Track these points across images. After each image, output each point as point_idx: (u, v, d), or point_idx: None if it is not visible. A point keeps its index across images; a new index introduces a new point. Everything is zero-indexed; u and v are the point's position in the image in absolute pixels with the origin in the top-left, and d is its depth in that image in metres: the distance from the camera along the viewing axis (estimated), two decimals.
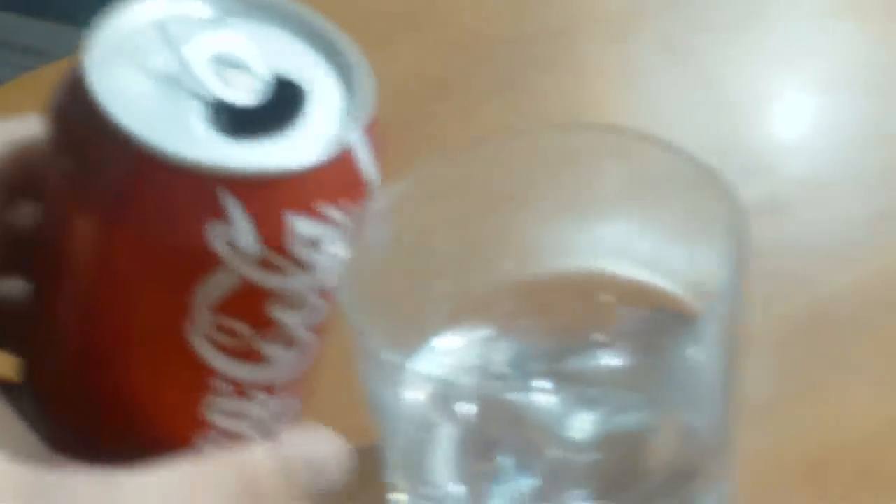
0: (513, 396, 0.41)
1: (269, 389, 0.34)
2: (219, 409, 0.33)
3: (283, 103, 0.31)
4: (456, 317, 0.45)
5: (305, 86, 0.32)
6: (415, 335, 0.44)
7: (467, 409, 0.41)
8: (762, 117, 0.65)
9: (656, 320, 0.44)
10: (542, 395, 0.41)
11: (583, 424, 0.41)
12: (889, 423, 0.49)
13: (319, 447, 0.35)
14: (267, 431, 0.34)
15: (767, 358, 0.53)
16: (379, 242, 0.41)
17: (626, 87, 0.67)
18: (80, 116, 0.30)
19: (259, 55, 0.32)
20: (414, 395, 0.41)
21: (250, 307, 0.31)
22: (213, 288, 0.30)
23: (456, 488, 0.43)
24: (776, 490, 0.48)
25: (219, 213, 0.30)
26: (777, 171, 0.61)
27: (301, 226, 0.31)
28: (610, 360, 0.43)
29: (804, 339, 0.53)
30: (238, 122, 0.31)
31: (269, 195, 0.30)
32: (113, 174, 0.30)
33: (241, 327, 0.31)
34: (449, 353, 0.45)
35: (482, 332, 0.45)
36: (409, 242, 0.43)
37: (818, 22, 0.69)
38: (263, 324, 0.32)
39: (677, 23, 0.70)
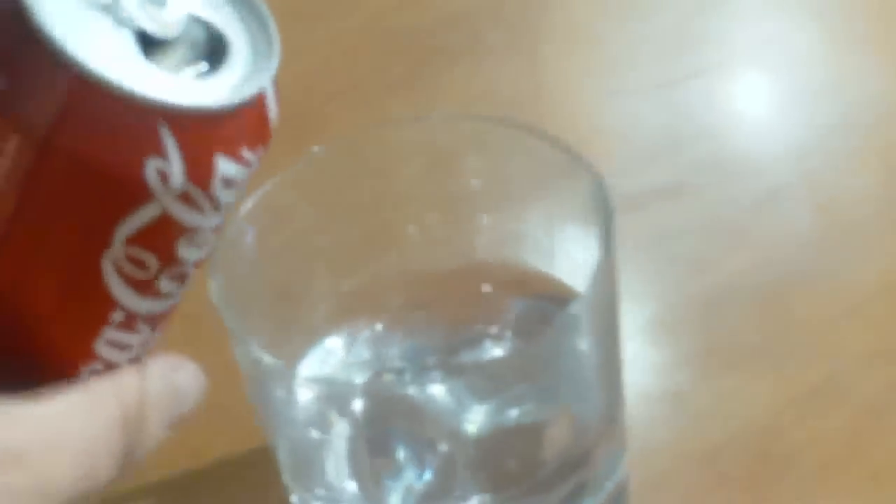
0: (405, 391, 0.40)
1: (153, 323, 0.34)
2: (107, 340, 0.33)
3: (201, 42, 0.32)
4: (344, 315, 0.45)
5: (220, 29, 0.32)
6: (303, 336, 0.44)
7: (360, 407, 0.40)
8: (662, 103, 0.65)
9: (542, 308, 0.44)
10: (435, 389, 0.41)
11: (476, 416, 0.40)
12: (789, 404, 0.49)
13: (181, 376, 0.35)
14: (137, 362, 0.35)
15: (669, 341, 0.53)
16: (254, 243, 0.41)
17: (529, 74, 0.67)
18: (15, 35, 0.29)
19: None
20: (303, 397, 0.41)
21: (164, 241, 0.32)
22: (137, 219, 0.31)
23: (351, 487, 0.42)
24: (677, 476, 0.48)
25: (157, 147, 0.30)
26: (677, 156, 0.61)
27: (224, 166, 0.31)
28: (499, 351, 0.43)
29: (705, 321, 0.53)
30: (163, 56, 0.31)
31: (201, 133, 0.31)
32: (52, 96, 0.29)
33: (151, 260, 0.32)
34: (339, 351, 0.45)
35: (372, 329, 0.45)
36: (287, 242, 0.42)
37: (716, 7, 0.69)
38: (170, 259, 0.32)
39: (579, 9, 0.70)
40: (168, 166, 0.30)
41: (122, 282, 0.32)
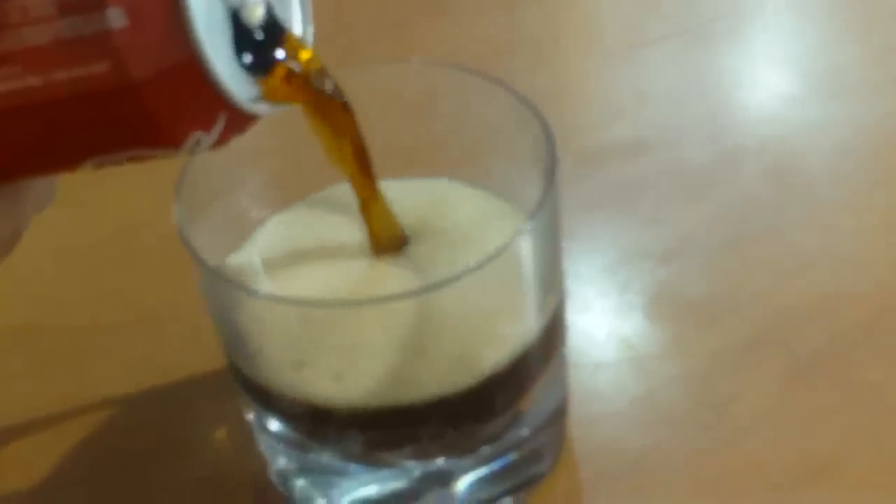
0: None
1: None
2: None
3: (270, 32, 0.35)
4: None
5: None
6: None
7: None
8: (630, 63, 0.67)
9: None
10: None
11: None
12: (727, 353, 0.51)
13: None
14: None
15: (618, 289, 0.55)
16: (220, 172, 0.43)
17: (505, 30, 0.69)
18: None
19: None
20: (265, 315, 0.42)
21: (148, 160, 0.34)
22: (148, 153, 0.33)
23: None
24: (615, 414, 0.50)
25: (207, 126, 0.33)
26: (640, 115, 0.63)
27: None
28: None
29: (654, 272, 0.55)
30: (247, 44, 0.34)
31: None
32: (159, 55, 0.31)
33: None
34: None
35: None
36: (251, 173, 0.45)
37: None
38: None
39: None
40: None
41: (92, 167, 0.34)
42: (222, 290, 0.41)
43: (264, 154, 0.43)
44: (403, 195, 0.44)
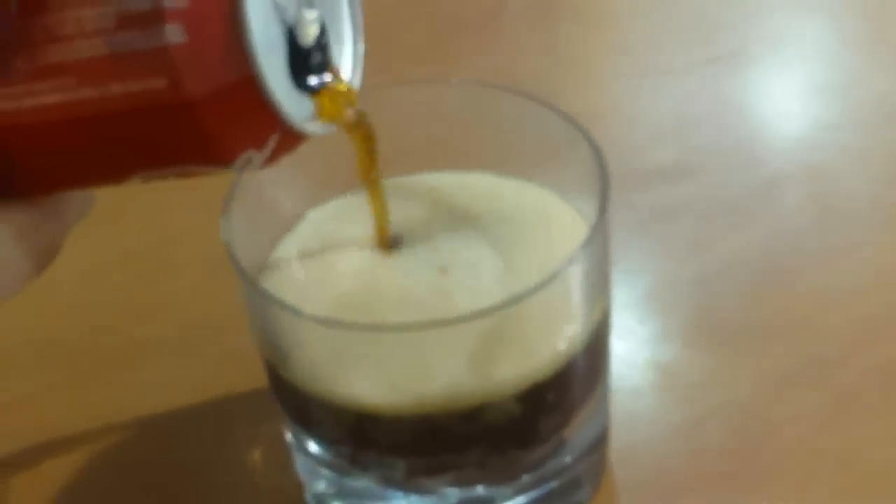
0: None
1: None
2: None
3: (322, 55, 0.35)
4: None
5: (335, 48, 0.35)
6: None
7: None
8: (672, 87, 0.66)
9: None
10: None
11: None
12: (769, 383, 0.51)
13: None
14: None
15: (659, 315, 0.54)
16: (266, 192, 0.43)
17: (547, 50, 0.69)
18: (218, 13, 0.31)
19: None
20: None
21: (190, 176, 0.34)
22: (199, 169, 0.33)
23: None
24: (657, 442, 0.49)
25: (259, 145, 0.33)
26: (682, 139, 0.63)
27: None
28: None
29: (695, 299, 0.55)
30: (300, 63, 0.34)
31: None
32: (217, 76, 0.31)
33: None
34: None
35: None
36: (295, 190, 0.44)
37: None
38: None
39: None
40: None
41: (140, 181, 0.34)
42: (266, 306, 0.41)
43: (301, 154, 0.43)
44: (447, 185, 0.44)
